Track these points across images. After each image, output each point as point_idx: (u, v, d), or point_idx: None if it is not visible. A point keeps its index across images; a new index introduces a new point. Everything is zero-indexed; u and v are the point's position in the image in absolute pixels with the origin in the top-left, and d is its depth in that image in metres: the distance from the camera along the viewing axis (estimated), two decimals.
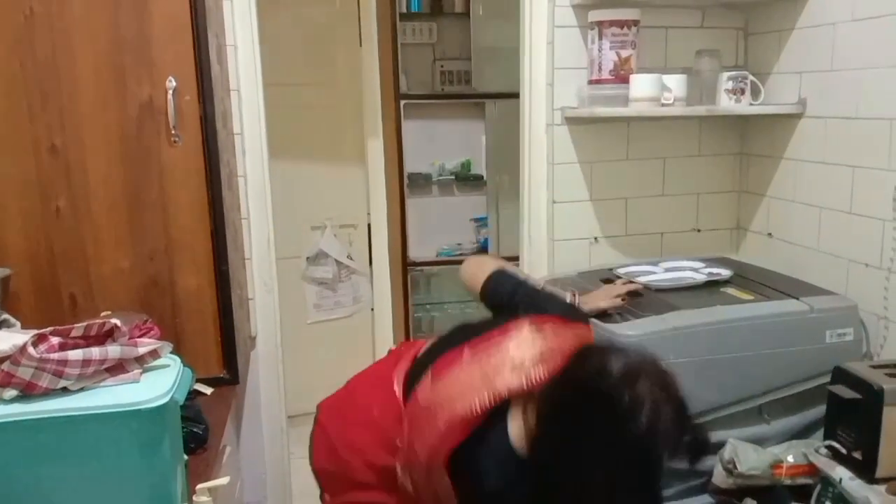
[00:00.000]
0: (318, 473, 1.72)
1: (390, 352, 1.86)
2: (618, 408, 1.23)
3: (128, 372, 1.29)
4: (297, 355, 3.24)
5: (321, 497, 1.77)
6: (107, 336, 1.31)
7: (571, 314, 1.60)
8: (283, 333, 2.53)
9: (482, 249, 3.93)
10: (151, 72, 1.88)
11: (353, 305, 3.91)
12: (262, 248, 2.36)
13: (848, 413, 1.60)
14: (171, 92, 1.89)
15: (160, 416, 1.23)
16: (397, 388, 1.62)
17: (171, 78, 1.89)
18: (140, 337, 1.45)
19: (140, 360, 1.32)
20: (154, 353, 1.34)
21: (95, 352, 1.25)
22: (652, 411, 1.22)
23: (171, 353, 1.39)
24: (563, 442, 1.29)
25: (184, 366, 1.37)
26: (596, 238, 2.42)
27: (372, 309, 3.91)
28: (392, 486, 1.57)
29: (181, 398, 1.29)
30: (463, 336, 1.58)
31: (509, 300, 1.66)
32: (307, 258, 3.75)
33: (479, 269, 1.77)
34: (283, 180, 2.82)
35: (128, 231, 1.95)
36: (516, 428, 1.37)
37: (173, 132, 1.91)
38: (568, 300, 1.82)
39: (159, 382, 1.27)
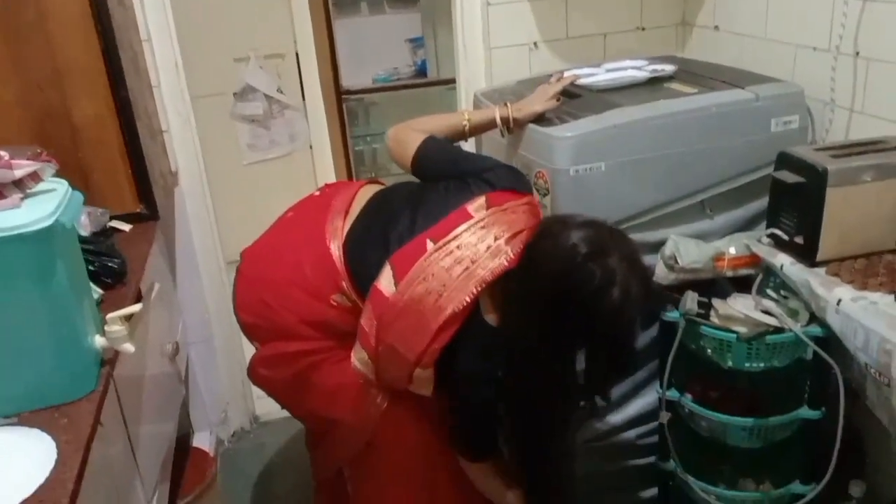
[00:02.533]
0: (245, 325, 1.63)
1: (321, 191, 1.73)
2: (591, 283, 1.27)
3: (6, 198, 1.16)
4: (235, 199, 3.11)
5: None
6: None
7: (518, 184, 1.52)
8: (216, 176, 2.42)
9: (420, 73, 3.71)
10: None
11: (290, 143, 3.72)
12: (170, 74, 2.15)
13: (791, 198, 1.55)
14: None
15: (46, 239, 1.11)
16: (334, 251, 1.52)
17: None
18: None
19: (19, 184, 1.18)
20: (34, 177, 1.20)
21: None
22: (623, 284, 1.27)
23: (58, 176, 1.25)
24: (540, 320, 1.33)
25: (73, 189, 1.23)
26: (535, 43, 2.26)
27: (311, 147, 3.75)
28: (330, 333, 1.54)
29: (69, 221, 1.16)
30: (410, 209, 1.50)
31: (452, 169, 1.55)
32: (234, 94, 3.51)
33: (406, 139, 1.62)
34: (193, 3, 2.56)
35: (6, 59, 1.73)
36: (489, 308, 1.39)
37: None
38: (498, 114, 1.73)
39: (43, 207, 1.15)
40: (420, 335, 1.39)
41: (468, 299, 1.36)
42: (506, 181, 1.50)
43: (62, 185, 1.23)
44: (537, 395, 1.43)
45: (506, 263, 1.36)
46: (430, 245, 1.41)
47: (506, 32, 2.24)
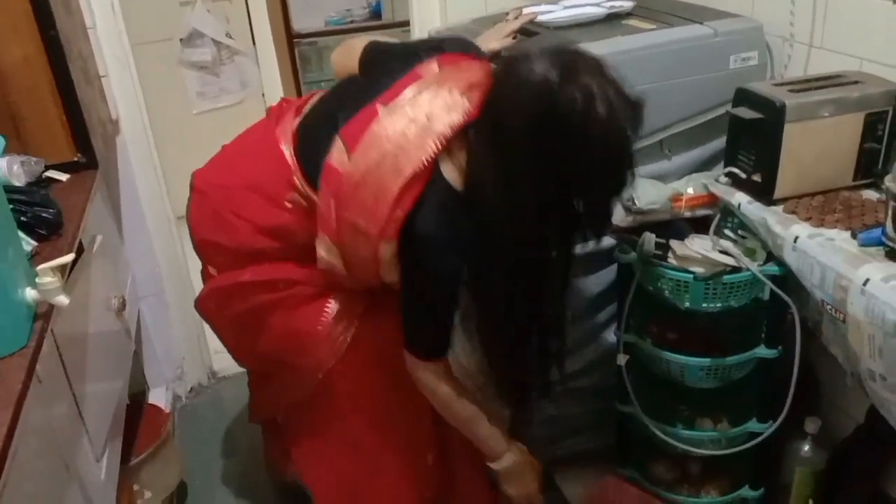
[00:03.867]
0: (201, 246, 1.60)
1: (269, 111, 1.67)
2: (574, 105, 1.16)
3: None
4: (183, 150, 2.99)
5: (202, 272, 1.65)
6: None
7: (470, 49, 1.46)
8: (162, 126, 2.34)
9: (375, 15, 3.59)
10: None
11: (241, 91, 3.61)
12: (107, 14, 2.03)
13: (749, 135, 1.52)
14: None
15: None
16: (285, 149, 1.47)
17: None
18: None
19: None
20: None
21: None
22: (603, 98, 1.17)
23: None
24: (518, 171, 1.23)
25: None
26: None
27: (263, 94, 3.63)
28: (289, 244, 1.48)
29: None
30: (357, 92, 1.42)
31: (405, 52, 1.47)
32: (181, 40, 3.36)
33: (350, 47, 1.57)
34: None
35: None
36: (451, 169, 1.30)
37: None
38: None
39: None
40: (381, 203, 1.29)
41: (428, 158, 1.27)
42: (458, 46, 1.45)
43: None
44: (512, 272, 1.33)
45: (465, 117, 1.27)
46: (381, 110, 1.33)
47: None
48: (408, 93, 1.33)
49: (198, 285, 1.73)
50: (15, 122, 1.72)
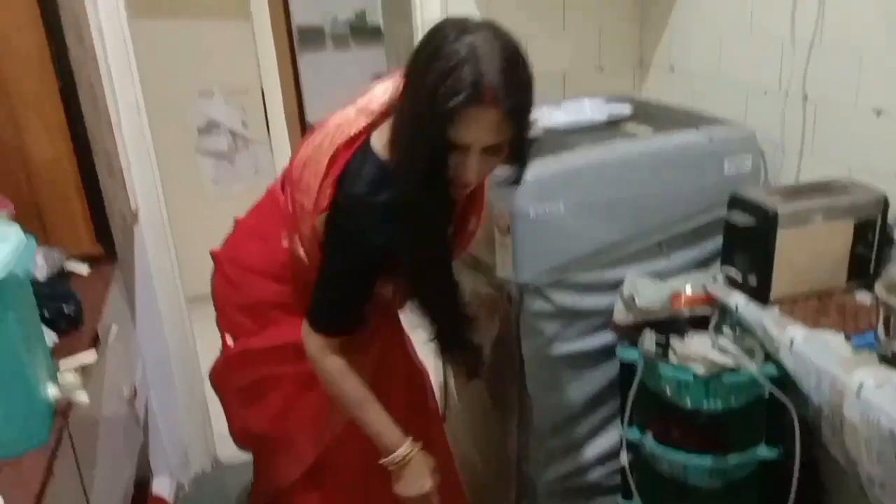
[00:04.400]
0: (221, 312, 1.67)
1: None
2: (456, 52, 1.14)
3: None
4: (198, 234, 3.07)
5: (221, 349, 1.69)
6: None
7: None
8: (178, 210, 2.39)
9: None
10: None
11: (255, 177, 3.71)
12: (131, 111, 2.13)
13: (743, 240, 1.58)
14: None
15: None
16: (277, 189, 1.57)
17: None
18: None
19: None
20: None
21: None
22: (472, 44, 1.14)
23: (10, 219, 1.23)
24: (409, 103, 1.22)
25: (26, 234, 1.21)
26: None
27: (276, 181, 3.73)
28: (297, 291, 1.51)
29: (23, 272, 1.14)
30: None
31: None
32: (198, 129, 3.49)
33: None
34: (156, 40, 2.55)
35: None
36: (379, 142, 1.32)
37: None
38: None
39: None
40: (315, 176, 1.34)
41: (357, 130, 1.33)
42: None
43: (16, 233, 1.20)
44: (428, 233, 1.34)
45: (395, 95, 1.30)
46: (340, 110, 1.42)
47: None
48: (368, 94, 1.41)
49: (206, 370, 1.77)
50: (40, 214, 1.80)
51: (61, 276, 1.73)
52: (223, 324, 1.68)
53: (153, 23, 2.63)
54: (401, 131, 1.26)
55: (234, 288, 1.61)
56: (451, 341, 1.56)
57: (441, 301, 1.49)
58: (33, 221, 1.78)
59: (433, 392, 1.83)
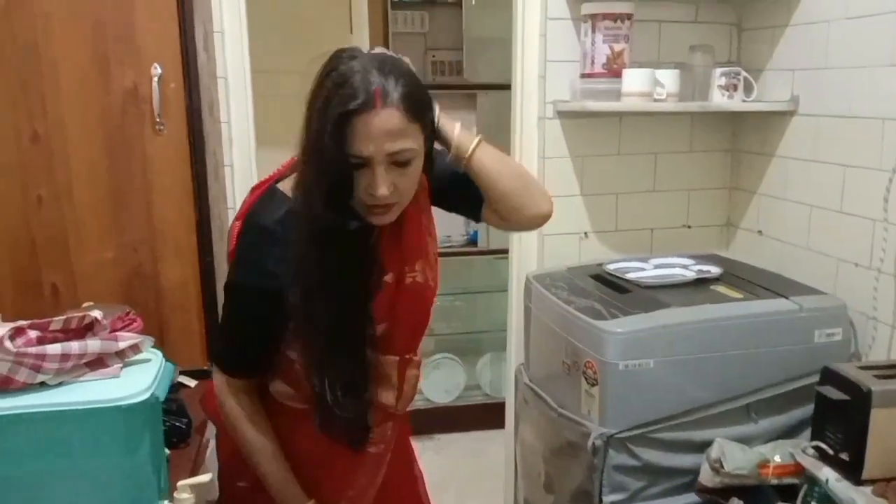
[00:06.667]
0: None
1: None
2: (341, 72, 1.17)
3: (108, 367, 1.27)
4: None
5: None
6: (87, 330, 1.28)
7: None
8: None
9: (471, 242, 3.89)
10: (136, 58, 1.85)
11: None
12: None
13: (835, 414, 1.59)
14: (156, 79, 1.86)
15: (140, 412, 1.20)
16: None
17: (156, 65, 1.86)
18: (122, 329, 1.43)
19: (121, 354, 1.30)
20: (135, 348, 1.31)
21: (75, 346, 1.23)
22: (356, 69, 1.16)
23: (153, 346, 1.37)
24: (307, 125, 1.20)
25: (165, 360, 1.35)
26: (586, 233, 2.40)
27: None
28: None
29: (162, 394, 1.26)
30: None
31: None
32: None
33: None
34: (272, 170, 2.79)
35: (111, 221, 1.92)
36: (286, 184, 1.30)
37: (158, 120, 1.88)
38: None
39: (140, 378, 1.25)
40: (232, 229, 1.33)
41: (265, 179, 1.35)
42: None
43: (157, 356, 1.34)
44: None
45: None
46: None
47: (558, 222, 2.35)
48: None
49: None
50: (161, 330, 1.96)
51: (174, 390, 1.86)
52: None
53: (271, 153, 2.88)
54: (303, 154, 1.23)
55: None
56: (342, 407, 1.32)
57: (340, 352, 1.31)
58: (155, 335, 1.94)
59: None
